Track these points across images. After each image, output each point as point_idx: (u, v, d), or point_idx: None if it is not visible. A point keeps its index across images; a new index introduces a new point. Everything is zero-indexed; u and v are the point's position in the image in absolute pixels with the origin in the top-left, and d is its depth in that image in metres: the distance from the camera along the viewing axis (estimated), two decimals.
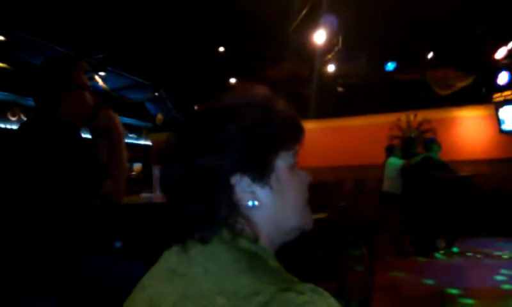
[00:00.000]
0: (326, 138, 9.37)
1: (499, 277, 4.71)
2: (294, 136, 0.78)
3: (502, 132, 8.29)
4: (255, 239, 0.69)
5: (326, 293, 0.57)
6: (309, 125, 9.68)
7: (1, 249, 1.45)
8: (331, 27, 5.62)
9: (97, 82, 5.68)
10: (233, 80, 7.46)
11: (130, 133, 7.87)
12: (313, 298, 0.55)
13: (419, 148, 6.67)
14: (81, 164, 1.55)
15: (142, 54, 6.20)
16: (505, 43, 7.02)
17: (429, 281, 4.69)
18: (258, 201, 0.71)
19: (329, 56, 6.25)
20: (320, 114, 8.94)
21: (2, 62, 4.48)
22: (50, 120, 1.60)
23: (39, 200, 1.49)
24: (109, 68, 6.06)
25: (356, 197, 6.02)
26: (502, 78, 7.83)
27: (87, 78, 1.74)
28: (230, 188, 0.69)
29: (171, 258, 0.70)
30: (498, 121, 8.26)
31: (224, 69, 7.01)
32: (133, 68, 6.67)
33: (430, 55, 7.37)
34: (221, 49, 6.37)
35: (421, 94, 8.40)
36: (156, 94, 7.10)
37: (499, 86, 7.92)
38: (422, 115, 8.81)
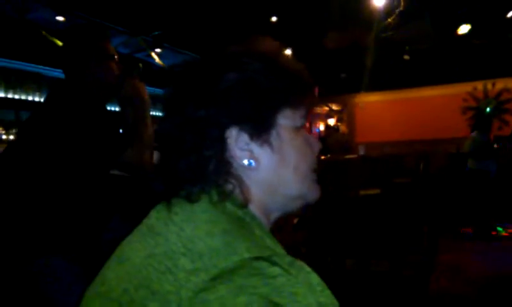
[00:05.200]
0: (389, 111, 8.85)
1: None
2: (300, 92, 0.71)
3: None
4: (245, 203, 0.64)
5: (307, 268, 0.52)
6: (370, 98, 9.28)
7: (29, 211, 1.49)
8: None
9: (154, 59, 5.85)
10: (288, 52, 7.28)
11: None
12: (290, 271, 0.50)
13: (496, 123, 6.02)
14: (107, 134, 1.55)
15: (199, 30, 6.25)
16: None
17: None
18: (256, 160, 0.66)
19: (390, 20, 5.81)
20: (384, 86, 8.44)
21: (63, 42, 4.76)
22: (75, 91, 1.62)
23: (66, 167, 1.50)
24: (166, 45, 6.20)
25: (418, 173, 5.64)
26: None
27: (113, 48, 1.73)
28: (223, 143, 0.64)
29: (153, 214, 0.66)
30: None
31: (278, 40, 6.85)
32: (190, 45, 6.76)
33: (510, 14, 6.54)
34: (274, 19, 6.21)
35: (500, 59, 7.55)
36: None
37: None
38: (502, 83, 7.95)
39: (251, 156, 0.65)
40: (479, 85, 8.18)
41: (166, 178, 0.66)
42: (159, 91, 7.10)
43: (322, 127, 9.29)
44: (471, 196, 5.85)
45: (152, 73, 6.20)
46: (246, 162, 0.65)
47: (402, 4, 5.57)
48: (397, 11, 5.74)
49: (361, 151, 6.95)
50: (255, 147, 0.66)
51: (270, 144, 0.66)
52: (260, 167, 0.66)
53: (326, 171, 4.87)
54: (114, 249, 0.67)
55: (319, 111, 9.20)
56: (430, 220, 5.46)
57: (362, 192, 4.91)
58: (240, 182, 0.65)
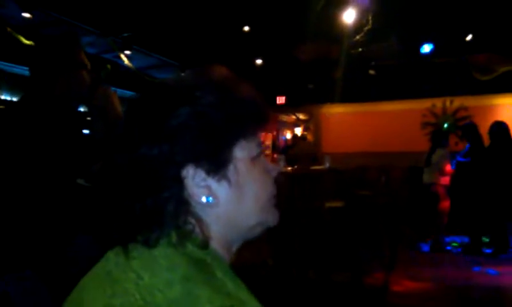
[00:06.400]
0: (354, 123, 9.12)
1: None
2: (256, 123, 0.69)
3: None
4: (205, 242, 0.62)
5: None
6: (337, 109, 9.52)
7: None
8: (362, 5, 5.37)
9: (123, 61, 5.73)
10: (259, 61, 7.35)
11: None
12: None
13: (452, 138, 6.35)
14: (74, 144, 1.53)
15: (169, 33, 6.18)
16: None
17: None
18: (214, 196, 0.64)
19: (358, 37, 6.00)
20: (350, 98, 8.68)
21: (29, 39, 4.57)
22: (45, 98, 1.58)
23: (30, 177, 1.47)
24: (135, 47, 6.08)
25: (379, 186, 5.82)
26: None
27: (85, 56, 1.70)
28: (180, 183, 0.61)
29: (110, 258, 0.63)
30: None
31: (250, 49, 6.90)
32: (160, 48, 6.67)
33: (469, 37, 6.92)
34: (246, 28, 6.25)
35: (459, 79, 7.97)
36: (183, 74, 7.09)
37: None
38: (459, 101, 8.38)
39: (209, 192, 0.63)
40: (438, 102, 8.58)
41: (120, 223, 0.63)
42: (127, 92, 6.96)
43: (289, 135, 9.42)
44: (427, 209, 6.12)
45: (120, 74, 6.07)
46: (204, 199, 0.63)
47: (370, 23, 5.76)
48: (365, 29, 5.94)
49: (327, 162, 7.09)
50: (212, 183, 0.64)
51: (228, 179, 0.65)
52: (219, 203, 0.64)
53: (293, 183, 4.94)
54: (79, 269, 0.65)
55: (286, 120, 9.32)
56: (390, 233, 5.67)
57: (327, 205, 5.03)
58: (200, 221, 0.63)
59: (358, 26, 5.95)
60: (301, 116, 9.35)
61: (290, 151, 6.93)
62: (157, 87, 0.68)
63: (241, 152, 0.67)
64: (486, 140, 5.63)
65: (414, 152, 7.70)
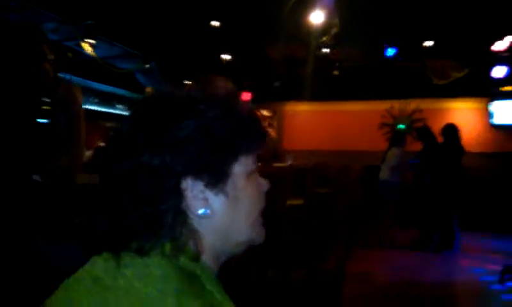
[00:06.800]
0: (317, 121, 9.32)
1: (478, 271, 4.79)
2: (255, 140, 0.72)
3: (492, 125, 8.34)
4: (197, 256, 0.63)
5: None
6: (300, 107, 9.68)
7: None
8: (328, 7, 5.48)
9: (85, 50, 5.52)
10: (227, 57, 7.32)
11: (119, 104, 7.74)
12: None
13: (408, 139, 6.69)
14: (34, 138, 1.47)
15: (134, 23, 6.01)
16: (503, 37, 6.93)
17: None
18: (211, 209, 0.65)
19: (325, 38, 6.12)
20: (313, 97, 8.84)
21: None
22: (6, 90, 1.53)
23: None
24: (99, 36, 5.87)
25: (339, 184, 6.01)
26: (498, 71, 7.77)
27: (49, 50, 1.65)
28: (179, 194, 0.62)
29: (99, 264, 0.63)
30: (490, 115, 8.32)
31: (218, 44, 6.85)
32: (124, 37, 6.48)
33: (430, 43, 7.25)
34: (215, 23, 6.20)
35: (416, 82, 8.33)
36: (147, 66, 6.93)
37: (494, 79, 7.88)
38: (416, 104, 8.77)
39: (206, 205, 0.64)
40: (397, 104, 8.93)
41: (115, 227, 0.63)
42: (89, 82, 6.71)
43: None
44: (381, 205, 6.40)
45: (81, 63, 5.85)
46: (201, 211, 0.63)
47: (337, 26, 5.89)
48: (332, 31, 6.06)
49: (289, 159, 7.22)
50: (210, 195, 0.64)
51: (225, 193, 0.66)
52: (215, 216, 0.65)
53: None
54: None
55: None
56: (346, 229, 5.88)
57: (288, 202, 5.13)
58: (195, 232, 0.64)
59: (325, 28, 6.06)
60: (265, 113, 9.41)
61: None
62: (161, 97, 0.68)
63: (240, 167, 0.68)
64: (439, 140, 5.99)
65: (373, 151, 8.04)
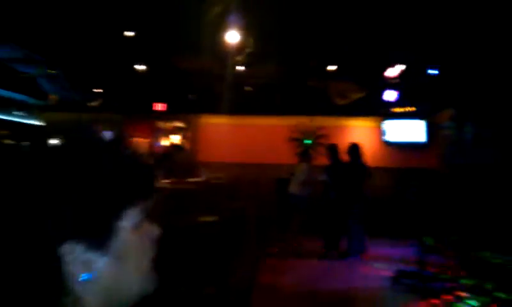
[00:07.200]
0: (230, 134, 9.51)
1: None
2: (144, 196, 0.68)
3: (384, 142, 9.34)
4: None
5: None
6: (214, 120, 9.81)
7: None
8: (236, 25, 5.69)
9: None
10: (141, 67, 7.17)
11: (19, 110, 7.08)
12: None
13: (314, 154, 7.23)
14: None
15: (36, 26, 5.61)
16: (394, 65, 7.86)
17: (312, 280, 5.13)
18: (93, 271, 0.59)
19: (239, 58, 6.35)
20: (227, 110, 9.03)
21: None
22: None
23: None
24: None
25: (252, 198, 6.22)
26: (389, 95, 8.77)
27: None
28: (57, 261, 0.56)
29: None
30: (382, 133, 9.32)
31: (131, 54, 6.69)
32: (25, 40, 6.00)
33: (333, 68, 7.92)
34: (129, 34, 6.06)
35: (321, 101, 8.98)
36: (51, 71, 6.48)
37: (386, 101, 8.87)
38: (320, 121, 9.42)
39: (88, 268, 0.59)
40: (304, 120, 9.51)
41: None
42: None
43: (166, 143, 9.32)
44: (291, 217, 6.78)
45: None
46: (83, 276, 0.59)
47: (252, 46, 6.15)
48: (247, 50, 6.31)
49: (203, 174, 7.27)
50: (92, 257, 0.59)
51: (109, 252, 0.61)
52: (98, 278, 0.60)
53: (169, 198, 4.95)
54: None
55: (163, 127, 9.23)
56: (257, 241, 6.10)
57: (201, 219, 5.17)
58: (78, 300, 0.59)
59: (240, 47, 6.29)
60: (179, 124, 9.36)
61: (166, 163, 6.87)
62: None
63: (126, 222, 0.63)
64: (344, 158, 6.56)
65: (282, 164, 8.47)
